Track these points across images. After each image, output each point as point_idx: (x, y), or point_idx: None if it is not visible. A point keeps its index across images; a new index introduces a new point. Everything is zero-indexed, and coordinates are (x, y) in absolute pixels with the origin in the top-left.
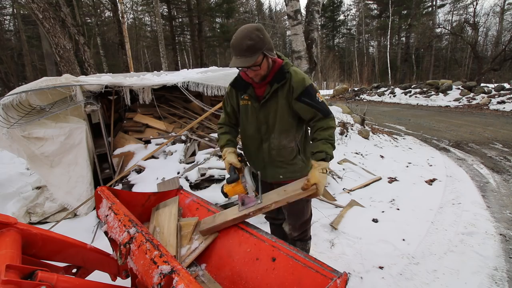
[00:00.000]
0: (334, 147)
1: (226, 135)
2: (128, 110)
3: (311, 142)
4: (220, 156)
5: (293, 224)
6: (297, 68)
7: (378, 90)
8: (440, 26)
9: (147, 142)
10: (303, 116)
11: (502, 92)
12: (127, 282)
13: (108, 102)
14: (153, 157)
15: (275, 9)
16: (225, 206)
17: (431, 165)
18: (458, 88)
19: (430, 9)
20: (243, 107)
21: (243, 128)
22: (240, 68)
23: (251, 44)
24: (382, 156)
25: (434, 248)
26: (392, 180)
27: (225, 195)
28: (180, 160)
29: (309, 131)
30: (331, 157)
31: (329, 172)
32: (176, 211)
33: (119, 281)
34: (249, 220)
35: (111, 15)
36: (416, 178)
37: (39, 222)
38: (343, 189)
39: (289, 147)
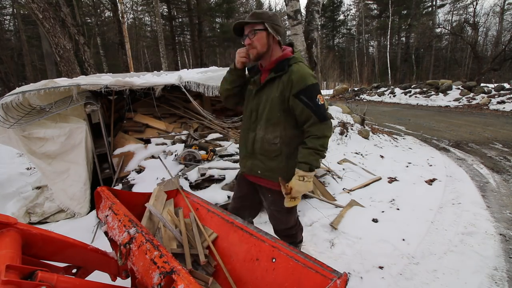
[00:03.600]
0: (323, 157)
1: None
2: (128, 110)
3: (300, 147)
4: (221, 156)
5: (276, 229)
6: (305, 64)
7: (378, 90)
8: (440, 26)
9: (147, 142)
10: (297, 116)
11: (502, 92)
12: (127, 282)
13: (108, 102)
14: (153, 157)
15: (275, 9)
16: (225, 206)
17: (431, 165)
18: (458, 88)
19: (430, 9)
20: (248, 92)
21: (243, 114)
22: (243, 42)
23: (256, 12)
24: (382, 156)
25: (434, 248)
26: (392, 180)
27: None
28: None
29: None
30: (317, 167)
31: (307, 180)
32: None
33: (119, 281)
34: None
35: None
36: (416, 178)
37: (39, 222)
38: (343, 189)
39: (273, 143)
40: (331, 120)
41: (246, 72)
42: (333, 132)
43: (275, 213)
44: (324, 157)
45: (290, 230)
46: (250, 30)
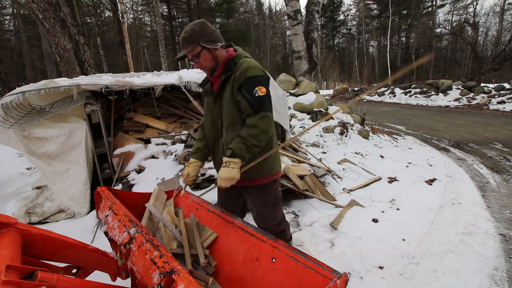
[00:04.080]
0: (250, 148)
1: (197, 142)
2: (128, 110)
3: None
4: None
5: (264, 228)
6: (250, 59)
7: (378, 90)
8: (440, 26)
9: (147, 142)
10: (242, 109)
11: (502, 92)
12: (127, 282)
13: (108, 102)
14: (153, 157)
15: (275, 9)
16: None
17: (431, 165)
18: (458, 88)
19: (430, 9)
20: (206, 104)
21: (205, 124)
22: (192, 64)
23: (185, 37)
24: (382, 156)
25: (434, 248)
26: (392, 180)
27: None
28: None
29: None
30: (242, 157)
31: (232, 166)
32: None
33: (119, 282)
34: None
35: (111, 15)
36: (416, 178)
37: (39, 222)
38: (343, 189)
39: None
40: (270, 113)
41: (202, 92)
42: (333, 132)
43: (261, 209)
44: (251, 149)
45: (279, 226)
46: (192, 56)
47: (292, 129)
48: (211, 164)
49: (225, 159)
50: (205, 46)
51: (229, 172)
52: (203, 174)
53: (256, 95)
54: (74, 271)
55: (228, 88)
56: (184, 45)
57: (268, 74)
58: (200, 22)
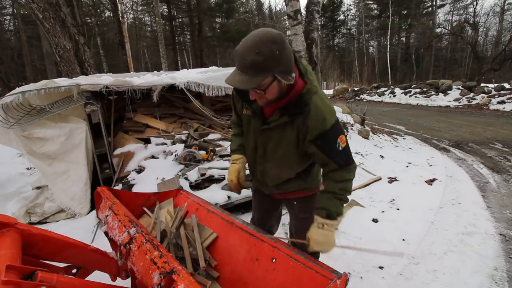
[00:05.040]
0: (344, 201)
1: (237, 138)
2: (128, 110)
3: (319, 191)
4: (221, 156)
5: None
6: (323, 96)
7: (378, 90)
8: (440, 26)
9: (147, 142)
10: (315, 160)
11: (502, 92)
12: (127, 282)
13: (108, 102)
14: (153, 157)
15: (275, 9)
16: (225, 206)
17: (431, 165)
18: (458, 88)
19: (430, 9)
20: (245, 117)
21: (245, 137)
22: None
23: (258, 61)
24: (382, 156)
25: (434, 248)
26: (392, 180)
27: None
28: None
29: None
30: (339, 214)
31: (327, 229)
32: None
33: (119, 282)
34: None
35: (111, 15)
36: (416, 178)
37: (39, 222)
38: None
39: (281, 177)
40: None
41: (234, 94)
42: None
43: (303, 221)
44: (346, 201)
45: None
46: (256, 88)
47: None
48: (211, 164)
49: (319, 219)
50: (279, 78)
51: (327, 236)
52: (203, 174)
53: (340, 149)
54: (74, 271)
55: (290, 130)
56: (251, 71)
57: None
58: (279, 39)
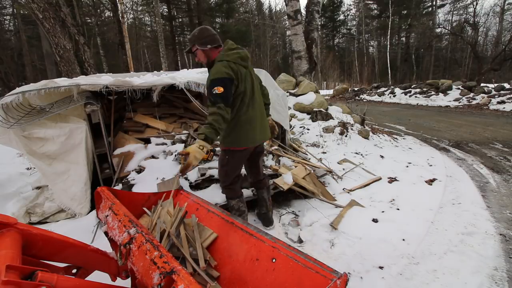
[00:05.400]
0: (216, 130)
1: (222, 130)
2: (128, 110)
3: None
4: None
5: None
6: (222, 61)
7: (378, 90)
8: (440, 26)
9: (147, 142)
10: None
11: (502, 92)
12: (127, 282)
13: (108, 102)
14: (153, 157)
15: (275, 9)
16: (225, 206)
17: (431, 165)
18: (458, 88)
19: (430, 9)
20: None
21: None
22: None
23: (190, 37)
24: (382, 156)
25: (434, 248)
26: (392, 180)
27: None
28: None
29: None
30: (211, 139)
31: (208, 150)
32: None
33: (119, 282)
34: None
35: (111, 15)
36: (416, 178)
37: (39, 222)
38: (343, 189)
39: None
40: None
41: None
42: (333, 132)
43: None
44: (217, 130)
45: (221, 183)
46: (192, 51)
47: (292, 129)
48: (211, 164)
49: (199, 141)
50: (198, 47)
51: (200, 152)
52: (203, 174)
53: (214, 92)
54: (74, 271)
55: None
56: (189, 42)
57: (231, 74)
58: (199, 28)
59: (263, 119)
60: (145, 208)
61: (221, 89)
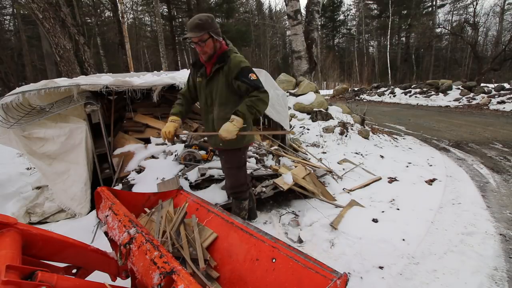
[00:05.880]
0: (254, 110)
1: (179, 106)
2: (128, 110)
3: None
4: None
5: (230, 186)
6: (238, 53)
7: (378, 90)
8: (440, 26)
9: (147, 141)
10: (242, 92)
11: (502, 92)
12: (127, 282)
13: (108, 102)
14: (153, 157)
15: (275, 9)
16: (225, 206)
17: (431, 165)
18: (458, 88)
19: (430, 9)
20: (198, 84)
21: (199, 98)
22: (193, 45)
23: (199, 23)
24: (382, 156)
25: (434, 248)
26: (392, 180)
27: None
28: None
29: None
30: (244, 115)
31: (234, 123)
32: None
33: (119, 282)
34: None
35: (111, 15)
36: (416, 178)
37: (39, 222)
38: (343, 189)
39: (227, 118)
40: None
41: (191, 69)
42: (333, 132)
43: (227, 170)
44: (254, 112)
45: (241, 187)
46: (199, 40)
47: (292, 129)
48: (211, 164)
49: (234, 118)
50: (213, 35)
51: (229, 127)
52: (203, 174)
53: (252, 79)
54: (74, 271)
55: (221, 75)
56: (196, 29)
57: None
58: (211, 16)
59: None
60: (146, 209)
61: (256, 76)
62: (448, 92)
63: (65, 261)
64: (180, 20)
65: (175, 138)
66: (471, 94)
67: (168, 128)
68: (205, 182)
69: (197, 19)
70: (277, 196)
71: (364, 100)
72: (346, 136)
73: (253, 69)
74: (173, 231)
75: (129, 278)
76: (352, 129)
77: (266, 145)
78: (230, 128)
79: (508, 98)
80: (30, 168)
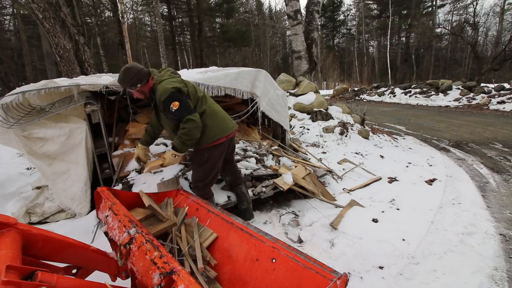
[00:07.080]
0: (187, 142)
1: (146, 134)
2: (128, 110)
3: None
4: None
5: (191, 181)
6: (161, 80)
7: (378, 90)
8: (440, 26)
9: None
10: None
11: (502, 92)
12: (127, 282)
13: (108, 102)
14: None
15: (275, 9)
16: (225, 206)
17: (431, 165)
18: (458, 88)
19: (430, 9)
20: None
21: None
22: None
23: (119, 79)
24: (382, 156)
25: (434, 248)
26: (392, 180)
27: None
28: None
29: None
30: (181, 149)
31: (176, 156)
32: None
33: (119, 282)
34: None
35: (111, 15)
36: (416, 178)
37: (39, 222)
38: (343, 189)
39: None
40: (190, 115)
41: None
42: (333, 132)
43: (191, 165)
44: (185, 143)
45: (196, 182)
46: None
47: (292, 129)
48: None
49: (171, 149)
50: (129, 89)
51: (174, 159)
52: None
53: (173, 110)
54: (74, 271)
55: (156, 108)
56: (120, 83)
57: (178, 85)
58: (123, 69)
59: (223, 112)
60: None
61: (177, 104)
62: (448, 92)
63: (65, 261)
64: (180, 20)
65: (142, 162)
66: (471, 94)
67: (141, 153)
68: None
69: (119, 74)
70: (277, 196)
71: (364, 100)
72: (346, 136)
73: (250, 69)
74: (174, 232)
75: (129, 278)
76: (352, 129)
77: (266, 145)
78: (172, 157)
79: (508, 98)
80: (30, 168)
